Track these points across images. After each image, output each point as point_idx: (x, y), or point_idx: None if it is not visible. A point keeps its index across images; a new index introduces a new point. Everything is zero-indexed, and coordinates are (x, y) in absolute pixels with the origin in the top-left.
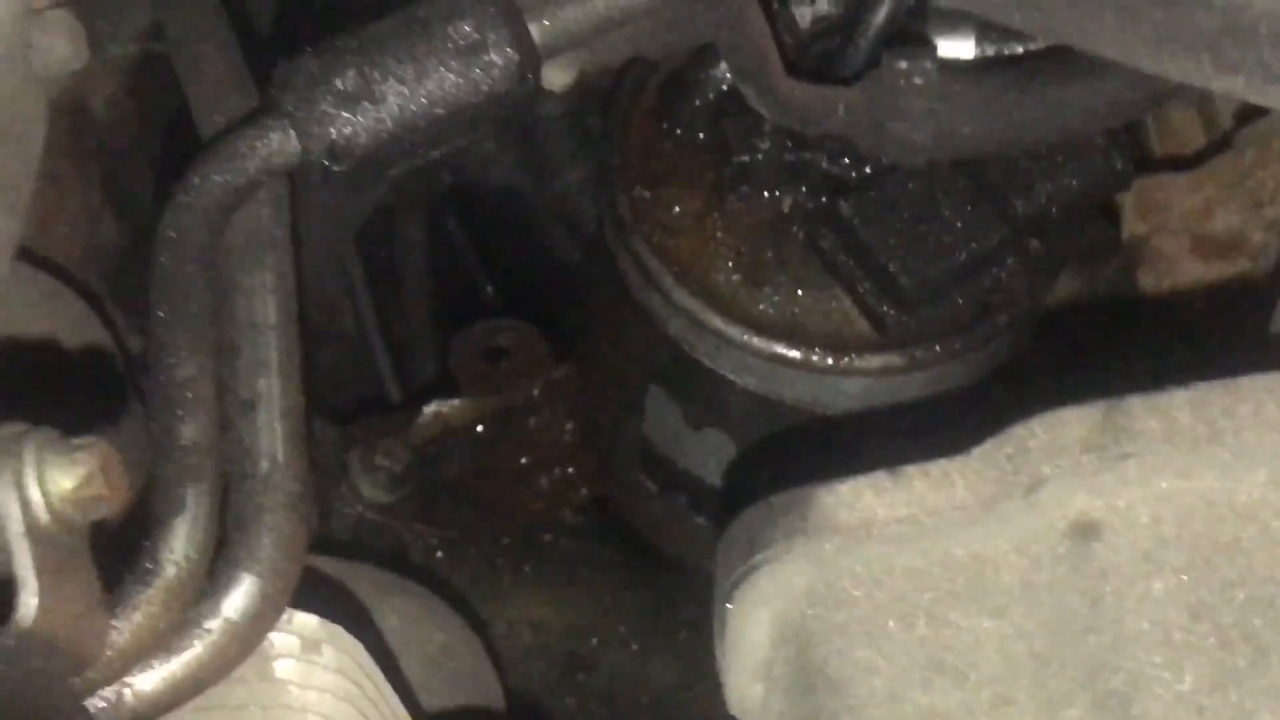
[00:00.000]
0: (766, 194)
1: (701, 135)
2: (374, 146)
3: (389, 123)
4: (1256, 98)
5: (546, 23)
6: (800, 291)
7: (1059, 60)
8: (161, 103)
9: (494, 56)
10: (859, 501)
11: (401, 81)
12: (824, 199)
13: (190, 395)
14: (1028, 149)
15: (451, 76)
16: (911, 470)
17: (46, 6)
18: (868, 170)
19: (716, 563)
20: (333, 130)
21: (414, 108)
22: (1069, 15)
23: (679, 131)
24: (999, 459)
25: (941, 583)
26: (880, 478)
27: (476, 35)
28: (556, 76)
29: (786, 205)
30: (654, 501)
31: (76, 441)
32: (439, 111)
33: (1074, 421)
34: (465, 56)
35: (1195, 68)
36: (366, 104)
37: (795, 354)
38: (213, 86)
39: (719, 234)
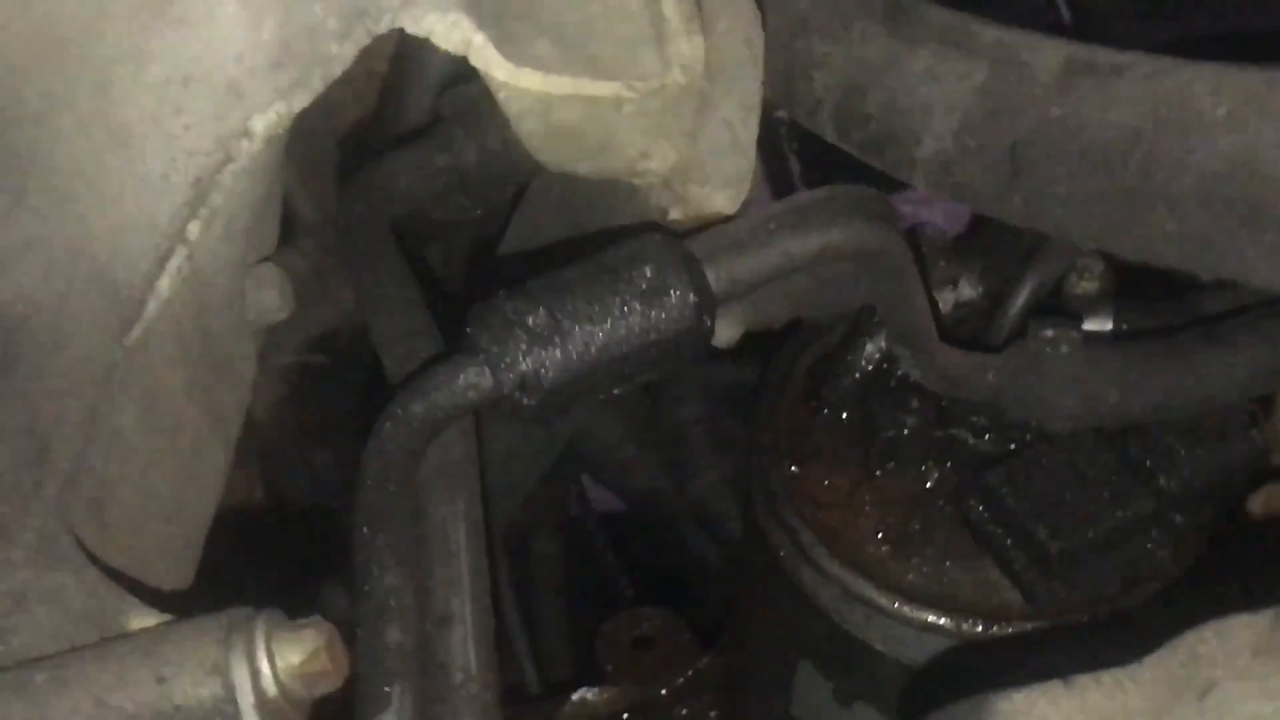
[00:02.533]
0: (913, 468)
1: (847, 414)
2: (562, 381)
3: (576, 359)
4: None
5: (722, 270)
6: (948, 562)
7: (1200, 332)
8: (317, 411)
9: (674, 299)
10: (1034, 710)
11: (589, 321)
12: (969, 472)
13: (394, 603)
14: (1173, 418)
15: (635, 317)
16: (1085, 679)
17: (255, 261)
18: (1011, 445)
19: None
20: (524, 365)
21: (599, 345)
22: (1226, 243)
23: (826, 411)
24: (1172, 666)
25: None
26: (1054, 686)
27: (658, 279)
28: (723, 331)
29: (932, 479)
30: None
31: (301, 621)
32: (623, 349)
33: (1244, 628)
34: (647, 298)
35: None
36: (556, 341)
37: (945, 622)
38: (403, 337)
39: (868, 507)
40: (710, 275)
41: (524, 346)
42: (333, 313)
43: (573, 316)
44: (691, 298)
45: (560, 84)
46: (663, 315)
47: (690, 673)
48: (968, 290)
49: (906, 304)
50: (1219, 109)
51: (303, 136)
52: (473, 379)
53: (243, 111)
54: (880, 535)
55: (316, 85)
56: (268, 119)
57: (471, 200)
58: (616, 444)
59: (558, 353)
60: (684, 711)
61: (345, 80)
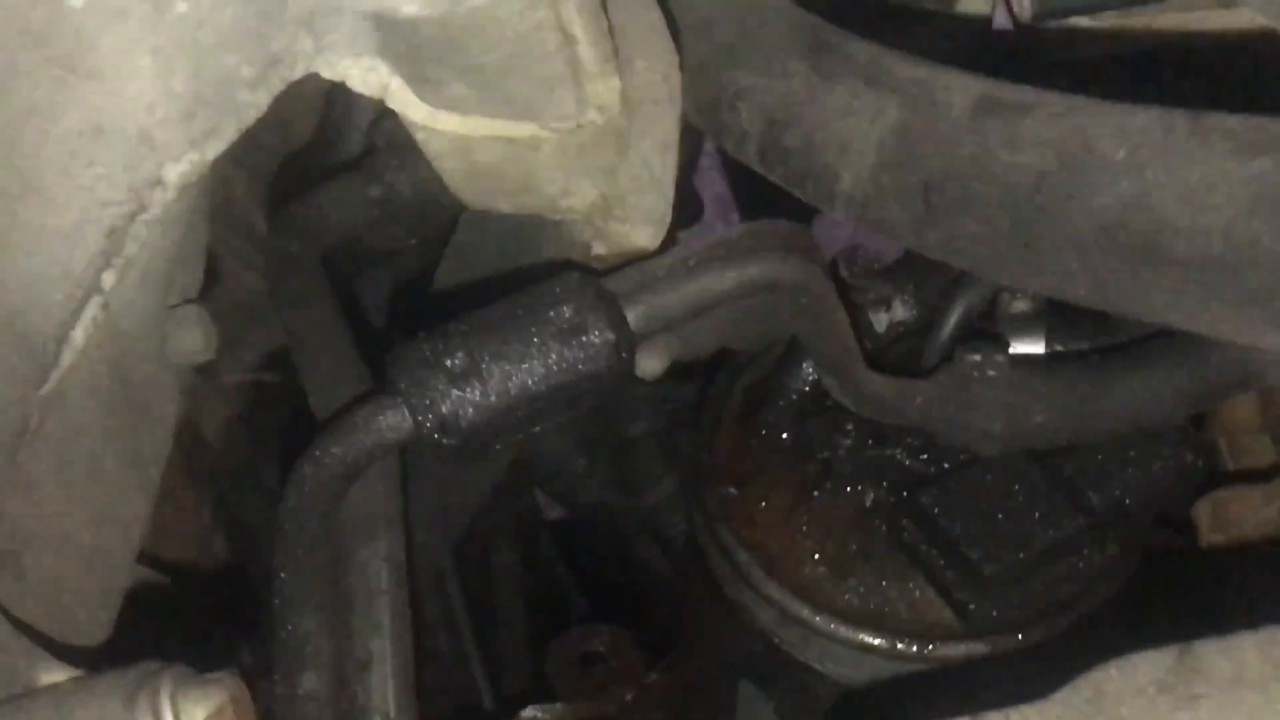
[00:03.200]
0: (849, 489)
1: (785, 436)
2: (481, 421)
3: (495, 399)
4: None
5: (641, 306)
6: (884, 582)
7: (1128, 353)
8: (273, 431)
9: (592, 337)
10: None
11: (507, 360)
12: (905, 493)
13: (310, 648)
14: (1101, 439)
15: (553, 356)
16: (994, 716)
17: (178, 303)
18: (945, 465)
19: None
20: (444, 407)
21: (518, 385)
22: (1127, 283)
23: (764, 433)
24: (1077, 703)
25: None
26: None
27: (576, 318)
28: (649, 364)
29: (869, 500)
30: None
31: (209, 676)
32: (541, 388)
33: (1148, 664)
34: (565, 337)
35: (1249, 326)
36: (475, 381)
37: (880, 642)
38: (328, 376)
39: (805, 528)
40: (629, 313)
41: (442, 388)
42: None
43: (491, 357)
44: (609, 336)
45: (478, 125)
46: (581, 354)
47: (638, 689)
48: (901, 312)
49: (829, 334)
50: (1119, 151)
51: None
52: (391, 421)
53: (155, 161)
54: (817, 556)
55: (230, 133)
56: (181, 168)
57: (406, 230)
58: (567, 457)
59: (476, 394)
60: None
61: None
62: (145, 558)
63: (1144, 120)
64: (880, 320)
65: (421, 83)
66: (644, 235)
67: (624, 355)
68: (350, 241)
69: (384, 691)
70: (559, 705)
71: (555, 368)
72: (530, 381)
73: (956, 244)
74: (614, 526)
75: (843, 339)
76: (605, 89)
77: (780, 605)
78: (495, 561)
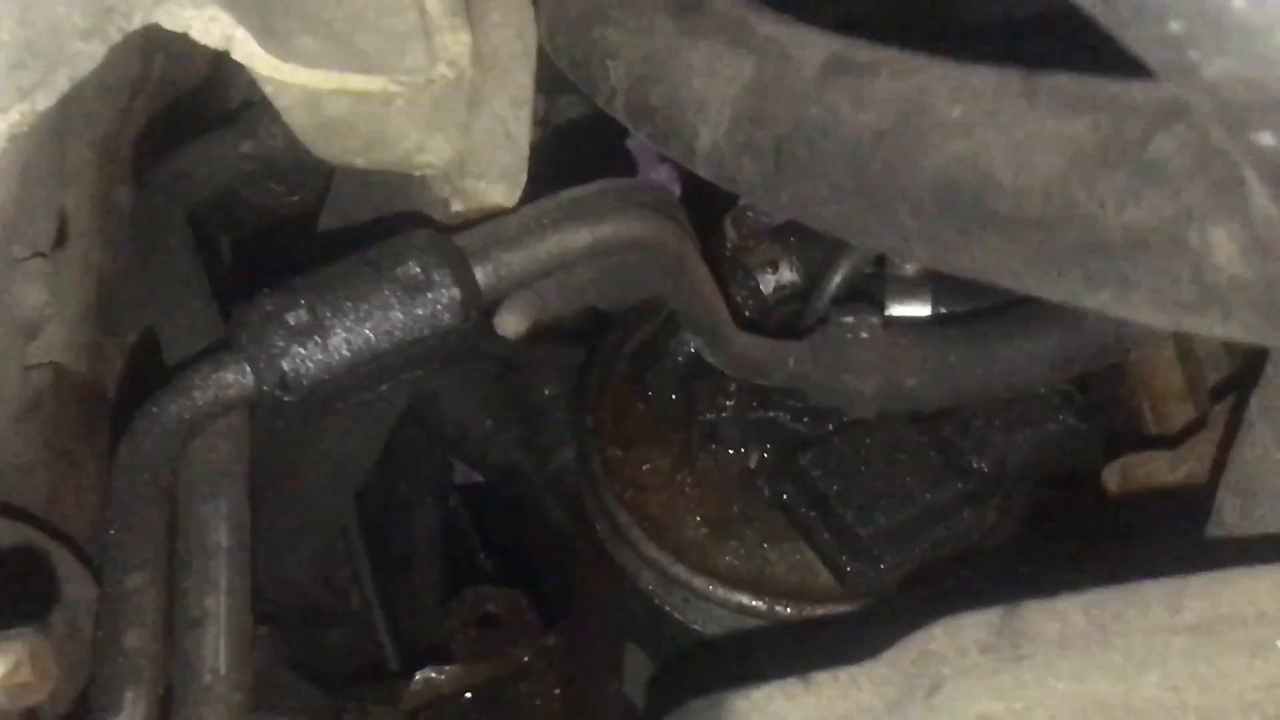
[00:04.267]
0: (733, 451)
1: (673, 397)
2: (322, 377)
3: (336, 355)
4: (1119, 310)
5: (490, 264)
6: (766, 544)
7: (1004, 318)
8: None
9: (438, 294)
10: (770, 706)
11: (350, 316)
12: (787, 455)
13: (135, 604)
14: (976, 402)
15: (396, 313)
16: (822, 676)
17: (25, 257)
18: (829, 427)
19: None
20: (284, 364)
21: (361, 341)
22: (958, 242)
23: (651, 394)
24: (903, 663)
25: None
26: (792, 684)
27: (421, 275)
28: (509, 322)
29: (753, 461)
30: None
31: (7, 633)
32: (384, 344)
33: (973, 625)
34: (410, 294)
35: (1069, 286)
36: (317, 338)
37: (759, 604)
38: (183, 332)
39: (688, 490)
40: (478, 270)
41: (283, 344)
42: None
43: (334, 313)
44: (455, 293)
45: (326, 79)
46: (425, 311)
47: (535, 651)
48: (788, 274)
49: (692, 294)
50: (954, 110)
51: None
52: (231, 377)
53: None
54: (699, 518)
55: (63, 84)
56: (10, 119)
57: (286, 186)
58: (474, 419)
59: (317, 350)
60: (527, 690)
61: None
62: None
63: (981, 80)
64: (768, 282)
65: (268, 35)
66: (499, 192)
67: (471, 312)
68: (224, 198)
69: (215, 648)
70: (456, 667)
71: (399, 324)
72: (373, 337)
73: (805, 203)
74: (520, 489)
75: (708, 300)
76: (454, 42)
77: (660, 567)
78: (415, 523)
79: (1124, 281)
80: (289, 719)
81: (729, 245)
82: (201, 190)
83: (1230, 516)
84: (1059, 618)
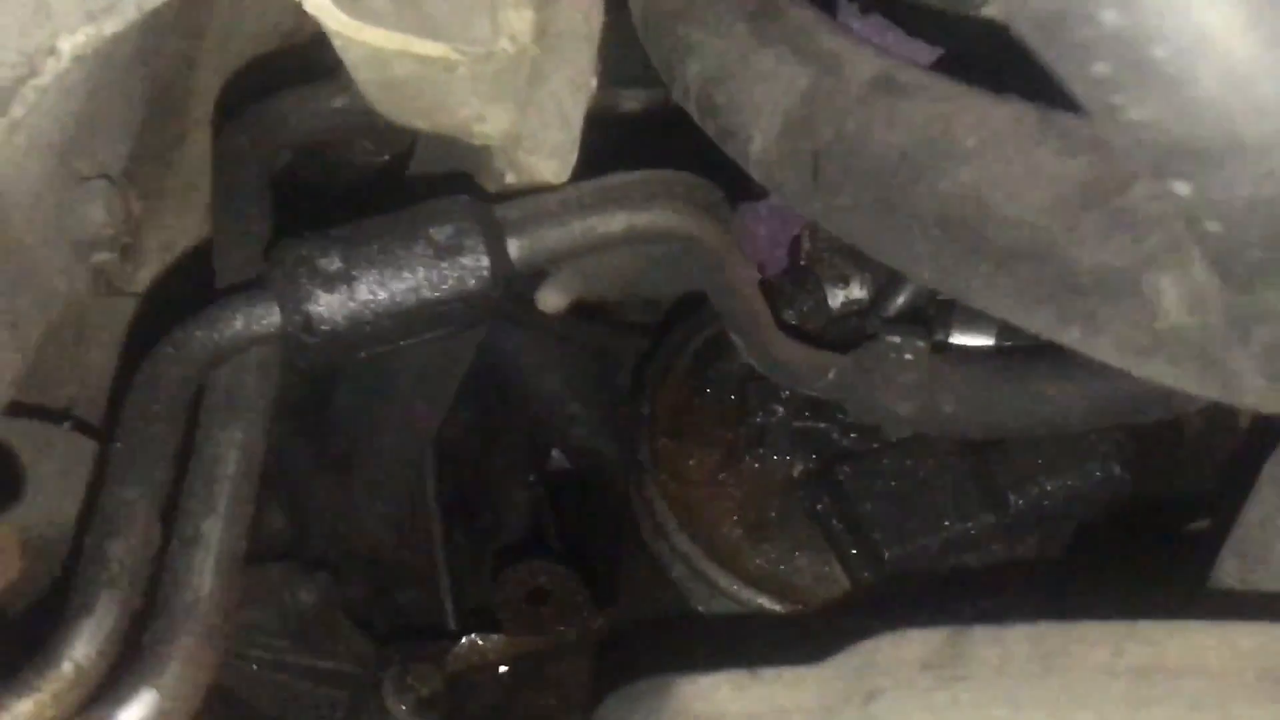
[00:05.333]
0: (778, 457)
1: (730, 397)
2: (345, 325)
3: (361, 306)
4: (1088, 349)
5: (524, 238)
6: (797, 552)
7: (1054, 357)
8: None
9: (467, 260)
10: (715, 695)
11: (380, 269)
12: (829, 466)
13: (125, 515)
14: (1013, 436)
15: (425, 272)
16: (769, 672)
17: (92, 176)
18: (874, 444)
19: None
20: (310, 307)
21: (386, 295)
22: (958, 267)
23: (709, 391)
24: (847, 669)
25: None
26: (739, 675)
27: (454, 240)
28: (549, 297)
29: (796, 470)
30: None
31: None
32: (409, 300)
33: (919, 641)
34: (441, 256)
35: (1045, 320)
36: (344, 287)
37: (780, 609)
38: (235, 270)
39: (730, 489)
40: (513, 243)
41: (312, 288)
42: None
43: (366, 264)
44: (484, 261)
45: (392, 39)
46: (453, 274)
47: (581, 630)
48: (857, 290)
49: (733, 294)
50: (970, 139)
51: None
52: (259, 312)
53: (50, 30)
54: (736, 518)
55: (130, 13)
56: (75, 40)
57: (377, 145)
58: (561, 400)
59: (344, 298)
60: (562, 667)
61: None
62: None
63: (1004, 112)
64: (836, 296)
65: None
66: (550, 169)
67: (498, 280)
68: (311, 149)
69: (203, 569)
70: (499, 637)
71: (425, 283)
72: (399, 293)
73: (834, 215)
74: (598, 471)
75: (748, 300)
76: (518, 19)
77: (690, 561)
78: (502, 501)
79: (1092, 320)
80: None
81: (803, 254)
82: (289, 137)
83: (1229, 575)
84: (1003, 645)
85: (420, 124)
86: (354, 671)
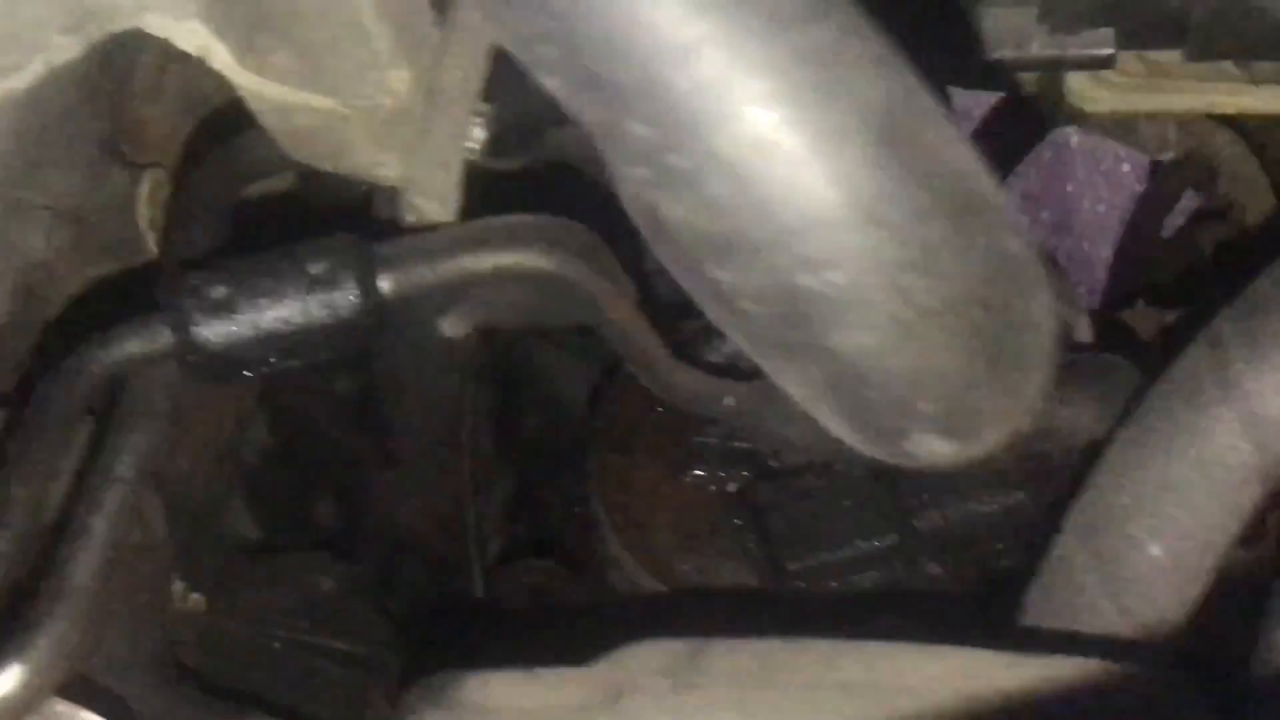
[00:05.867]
0: (715, 474)
1: (678, 416)
2: (226, 349)
3: (240, 332)
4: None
5: (398, 273)
6: (722, 563)
7: None
8: None
9: (339, 293)
10: (494, 690)
11: (260, 299)
12: (758, 484)
13: (6, 511)
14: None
15: (298, 303)
16: (544, 672)
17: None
18: (801, 463)
19: None
20: (195, 331)
21: (265, 324)
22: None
23: (661, 410)
24: (600, 671)
25: None
26: (518, 674)
27: (329, 273)
28: (449, 326)
29: (730, 486)
30: None
31: None
32: (285, 329)
33: (662, 651)
34: (315, 289)
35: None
36: (226, 314)
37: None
38: None
39: (669, 502)
40: (386, 278)
41: (199, 315)
42: None
43: (247, 294)
44: (355, 295)
45: (290, 94)
46: (325, 307)
47: None
48: None
49: (614, 329)
50: None
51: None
52: (152, 336)
53: None
54: (671, 529)
55: (40, 69)
56: None
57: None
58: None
59: (226, 324)
60: None
61: None
62: None
63: None
64: None
65: (246, 48)
66: (435, 210)
67: (369, 312)
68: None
69: (86, 561)
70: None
71: (299, 313)
72: (274, 322)
73: None
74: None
75: (632, 334)
76: (395, 79)
77: (621, 565)
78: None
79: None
80: None
81: None
82: (251, 174)
83: (1033, 609)
84: (735, 657)
85: (327, 167)
86: (370, 654)
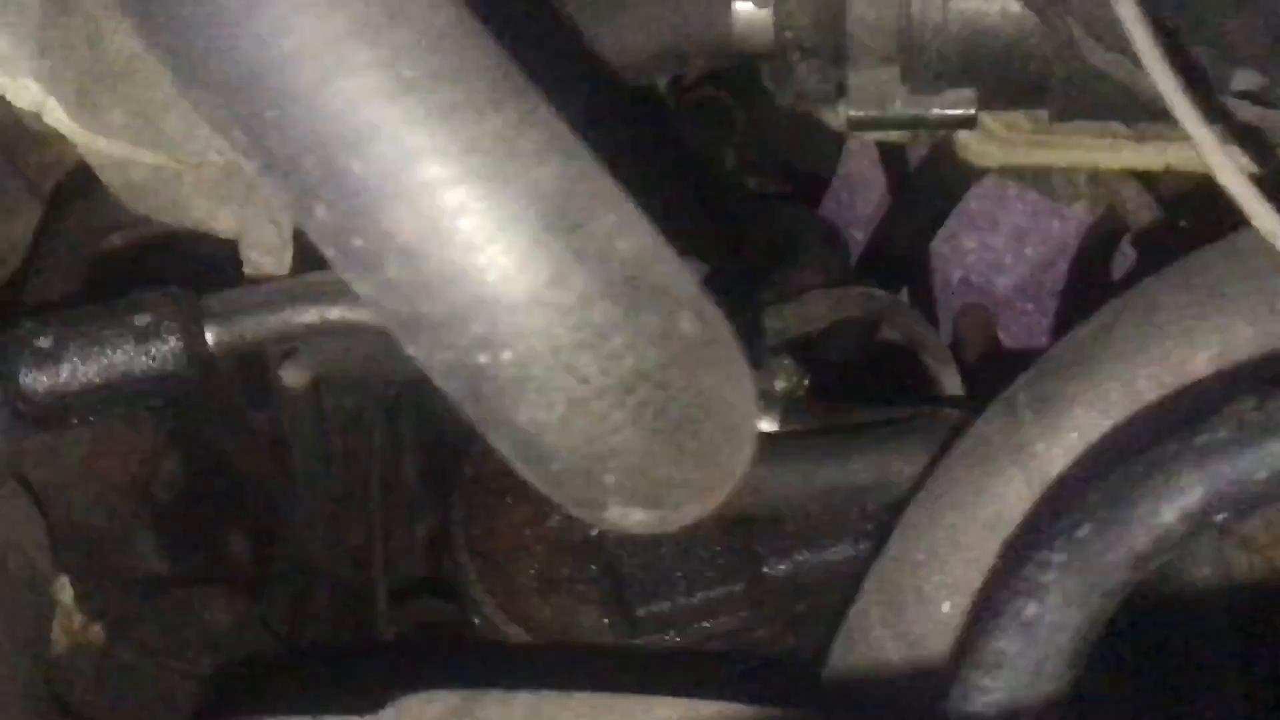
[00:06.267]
0: (576, 520)
1: None
2: (53, 398)
3: (67, 382)
4: None
5: (221, 326)
6: (581, 609)
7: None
8: None
9: (162, 345)
10: None
11: (84, 351)
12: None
13: None
14: (784, 513)
15: (125, 355)
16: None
17: None
18: None
19: None
20: (22, 380)
21: (89, 375)
22: None
23: None
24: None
25: None
26: None
27: (153, 325)
28: (289, 375)
29: (593, 532)
30: None
31: None
32: (110, 378)
33: (441, 699)
34: (139, 340)
35: None
36: (52, 365)
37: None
38: None
39: (534, 545)
40: (213, 329)
41: (26, 364)
42: None
43: (72, 345)
44: (179, 345)
45: (122, 149)
46: (149, 358)
47: None
48: None
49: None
50: None
51: None
52: None
53: None
54: (533, 572)
55: None
56: None
57: None
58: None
59: (51, 375)
60: None
61: None
62: None
63: None
64: None
65: (81, 105)
66: (270, 264)
67: (193, 363)
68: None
69: None
70: None
71: (123, 365)
72: (99, 373)
73: None
74: None
75: None
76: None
77: (481, 609)
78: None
79: None
80: None
81: None
82: (110, 226)
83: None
84: (506, 707)
85: (167, 219)
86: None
